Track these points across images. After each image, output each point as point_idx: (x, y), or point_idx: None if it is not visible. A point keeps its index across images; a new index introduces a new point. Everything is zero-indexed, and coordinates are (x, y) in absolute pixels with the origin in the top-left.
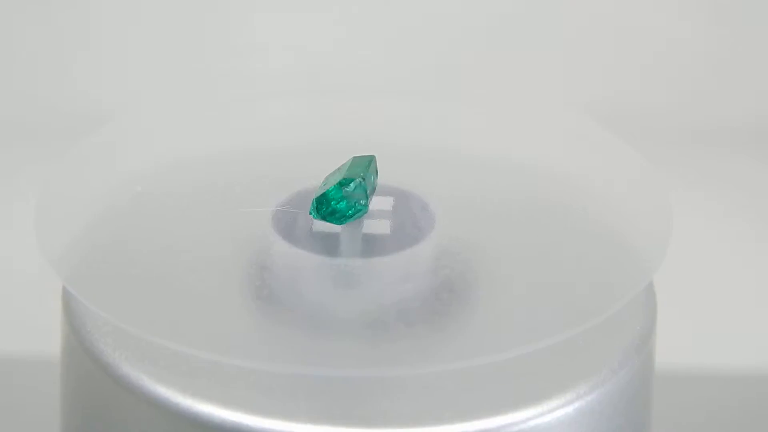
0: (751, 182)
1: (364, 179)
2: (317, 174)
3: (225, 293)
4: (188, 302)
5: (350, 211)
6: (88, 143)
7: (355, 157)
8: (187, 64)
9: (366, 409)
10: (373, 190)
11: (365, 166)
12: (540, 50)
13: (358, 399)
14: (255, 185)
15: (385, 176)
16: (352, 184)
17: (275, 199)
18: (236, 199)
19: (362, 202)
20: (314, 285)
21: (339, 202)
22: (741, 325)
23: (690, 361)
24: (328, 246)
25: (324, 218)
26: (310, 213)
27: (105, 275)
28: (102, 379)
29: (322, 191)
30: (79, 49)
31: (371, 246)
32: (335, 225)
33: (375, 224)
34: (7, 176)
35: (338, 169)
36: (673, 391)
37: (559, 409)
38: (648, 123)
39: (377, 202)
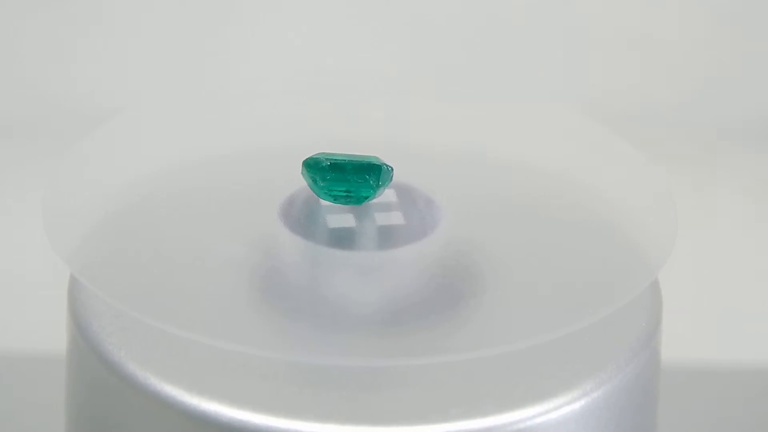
0: (755, 177)
1: (333, 161)
2: None
3: (234, 285)
4: (196, 293)
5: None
6: (91, 141)
7: (372, 156)
8: (189, 63)
9: (372, 407)
10: (365, 197)
11: (355, 162)
12: (541, 50)
13: (365, 397)
14: (259, 184)
15: None
16: (314, 161)
17: (279, 199)
18: (242, 197)
19: (320, 183)
20: (322, 277)
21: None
22: (746, 320)
23: (696, 357)
24: (336, 238)
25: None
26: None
27: (113, 268)
28: (108, 377)
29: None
30: (80, 48)
31: (377, 240)
32: (343, 218)
33: (383, 217)
34: (7, 175)
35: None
36: (679, 387)
37: (565, 406)
38: (648, 122)
39: (387, 206)
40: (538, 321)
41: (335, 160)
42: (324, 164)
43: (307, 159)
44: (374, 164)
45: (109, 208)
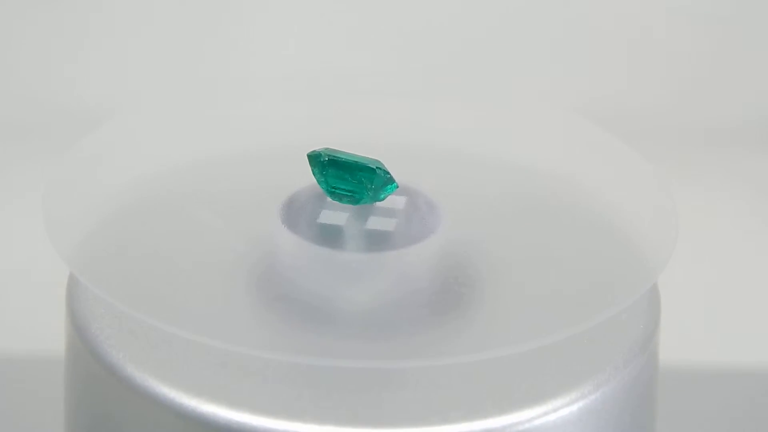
0: (754, 180)
1: (332, 157)
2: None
3: (234, 286)
4: (196, 293)
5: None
6: (91, 140)
7: (375, 160)
8: (188, 63)
9: (371, 409)
10: (355, 198)
11: (352, 160)
12: (540, 51)
13: (364, 399)
14: (259, 185)
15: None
16: (315, 156)
17: (279, 199)
18: (242, 197)
19: (320, 177)
20: (322, 278)
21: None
22: (745, 322)
23: (695, 359)
24: (337, 239)
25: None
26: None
27: (113, 268)
28: (106, 379)
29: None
30: (80, 48)
31: (378, 241)
32: (345, 220)
33: (385, 219)
34: (7, 175)
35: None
36: (677, 390)
37: (563, 408)
38: (646, 123)
39: (388, 208)
40: (537, 324)
41: (335, 157)
42: (323, 159)
43: (310, 152)
44: (369, 167)
45: (109, 209)
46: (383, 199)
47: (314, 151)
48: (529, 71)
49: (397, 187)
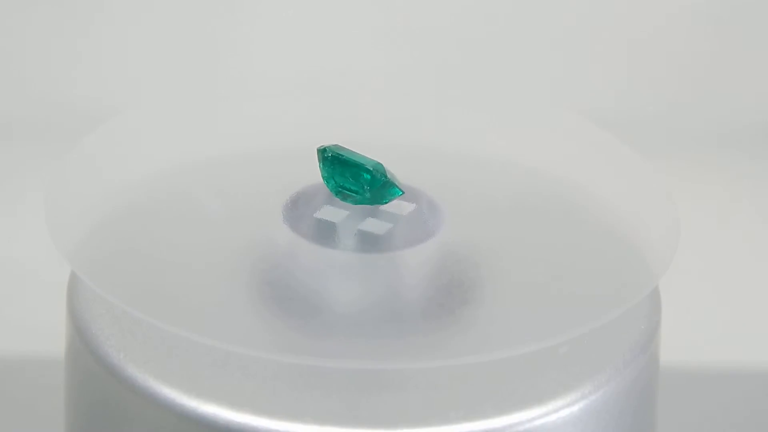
0: (755, 180)
1: (335, 154)
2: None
3: (235, 285)
4: (197, 293)
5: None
6: (93, 139)
7: (375, 161)
8: (190, 63)
9: (372, 410)
10: (356, 198)
11: (354, 160)
12: (540, 52)
13: (364, 400)
14: (261, 185)
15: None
16: (321, 150)
17: (281, 199)
18: (244, 197)
19: (324, 173)
20: (322, 278)
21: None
22: (745, 322)
23: (695, 360)
24: (338, 240)
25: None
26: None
27: (114, 266)
28: (107, 380)
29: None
30: (81, 47)
31: (379, 241)
32: (346, 220)
33: (379, 223)
34: (7, 175)
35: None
36: (677, 390)
37: (564, 408)
38: (647, 124)
39: (390, 208)
40: (538, 326)
41: (338, 154)
42: (327, 155)
43: (320, 146)
44: (367, 168)
45: (110, 208)
46: (386, 203)
47: (323, 146)
48: (530, 72)
49: (402, 192)
